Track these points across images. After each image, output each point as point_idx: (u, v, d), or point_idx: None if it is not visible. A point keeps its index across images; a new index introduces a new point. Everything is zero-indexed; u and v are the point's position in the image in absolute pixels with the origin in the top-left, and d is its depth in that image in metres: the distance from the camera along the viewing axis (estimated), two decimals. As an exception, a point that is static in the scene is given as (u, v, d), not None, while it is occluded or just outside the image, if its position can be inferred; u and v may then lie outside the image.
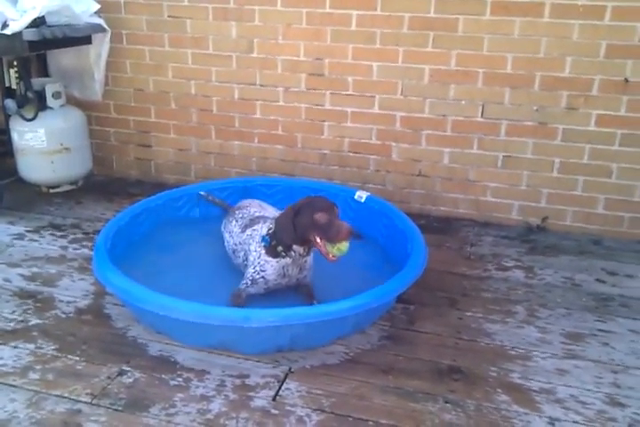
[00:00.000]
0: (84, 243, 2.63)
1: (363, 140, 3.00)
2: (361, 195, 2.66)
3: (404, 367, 1.87)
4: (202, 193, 2.76)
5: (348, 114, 2.96)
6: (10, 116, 2.85)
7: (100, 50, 3.05)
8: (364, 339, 2.00)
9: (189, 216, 2.75)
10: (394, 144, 2.96)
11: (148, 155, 3.36)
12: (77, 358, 1.88)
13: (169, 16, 3.05)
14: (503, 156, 2.84)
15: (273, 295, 2.13)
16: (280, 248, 2.05)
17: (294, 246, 2.04)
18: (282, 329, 1.84)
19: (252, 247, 2.15)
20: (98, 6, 2.89)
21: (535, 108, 2.72)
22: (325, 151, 3.07)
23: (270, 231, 2.09)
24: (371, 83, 2.87)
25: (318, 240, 1.94)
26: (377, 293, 1.91)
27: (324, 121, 3.01)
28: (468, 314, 2.17)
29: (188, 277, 2.26)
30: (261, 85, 3.04)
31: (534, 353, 1.95)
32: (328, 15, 2.82)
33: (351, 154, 3.04)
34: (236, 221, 2.35)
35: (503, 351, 1.96)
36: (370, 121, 2.95)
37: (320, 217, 1.93)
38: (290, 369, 1.84)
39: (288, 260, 2.07)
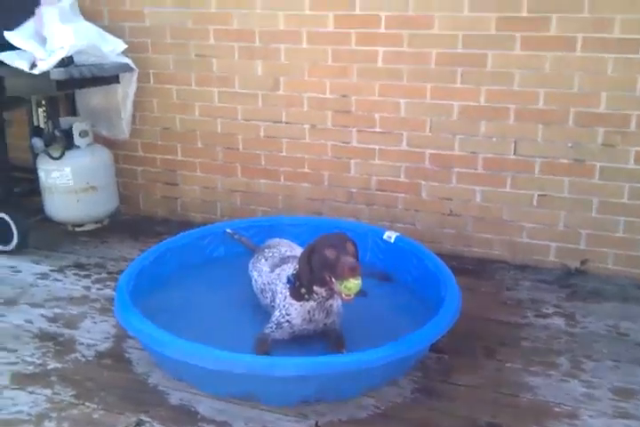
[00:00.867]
0: (108, 283, 2.60)
1: (391, 178, 2.93)
2: (390, 235, 2.58)
3: (440, 424, 1.74)
4: (228, 231, 2.71)
5: (375, 151, 2.91)
6: (37, 154, 2.87)
7: (127, 89, 3.08)
8: (395, 391, 1.88)
9: (215, 255, 2.69)
10: (423, 182, 2.89)
11: (175, 193, 3.35)
12: (95, 406, 1.81)
13: (196, 55, 3.07)
14: (538, 195, 2.73)
15: (300, 342, 2.04)
16: (303, 290, 1.97)
17: (315, 288, 1.95)
18: (308, 379, 1.75)
19: (279, 288, 2.08)
20: (125, 46, 2.93)
21: (570, 144, 2.62)
22: (353, 189, 3.01)
23: (295, 271, 2.02)
24: (398, 120, 2.83)
25: (329, 278, 1.86)
26: (408, 342, 1.81)
27: (350, 158, 2.97)
28: (508, 365, 2.04)
29: (212, 320, 2.19)
30: (287, 123, 3.02)
31: (581, 410, 1.80)
32: (354, 52, 2.80)
33: (379, 192, 2.97)
34: (266, 259, 2.29)
35: (547, 408, 1.82)
36: (398, 158, 2.89)
37: (329, 253, 1.86)
38: (317, 423, 1.74)
39: (312, 303, 1.98)
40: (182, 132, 3.22)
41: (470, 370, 2.00)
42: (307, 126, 2.99)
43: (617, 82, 2.48)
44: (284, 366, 1.73)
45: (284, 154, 3.07)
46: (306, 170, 3.06)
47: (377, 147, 2.90)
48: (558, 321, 2.34)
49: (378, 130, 2.88)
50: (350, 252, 1.88)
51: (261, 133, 3.08)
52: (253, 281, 2.32)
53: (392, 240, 2.56)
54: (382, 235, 2.59)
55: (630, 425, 1.75)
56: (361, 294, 1.89)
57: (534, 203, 2.75)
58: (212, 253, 2.70)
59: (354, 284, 1.81)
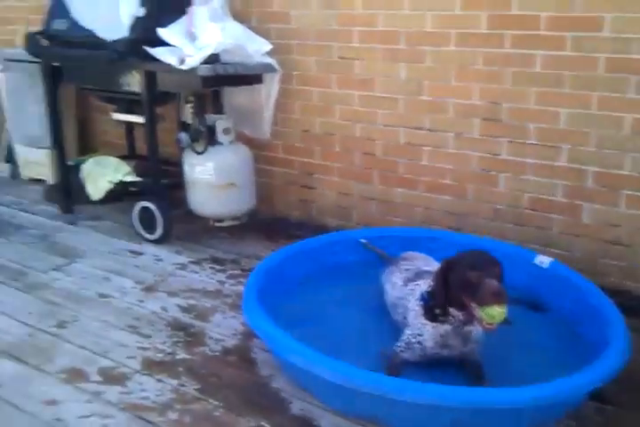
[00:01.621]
0: (241, 280, 2.61)
1: (545, 197, 2.64)
2: (542, 260, 2.32)
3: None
4: (362, 241, 2.63)
5: (528, 165, 2.65)
6: (183, 149, 2.97)
7: (270, 89, 3.09)
8: (541, 438, 1.67)
9: (346, 262, 2.59)
10: (584, 204, 2.57)
11: (311, 196, 3.32)
12: (217, 403, 1.82)
13: (338, 57, 3.01)
14: None
15: (433, 367, 1.88)
16: (438, 310, 1.82)
17: (451, 310, 1.79)
18: (441, 410, 1.59)
19: (411, 305, 1.95)
20: (270, 46, 2.93)
21: None
22: (499, 206, 2.77)
23: (430, 289, 1.88)
24: (557, 131, 2.55)
25: (469, 302, 1.70)
26: (566, 385, 1.58)
27: (499, 172, 2.73)
28: (687, 429, 1.73)
29: (339, 329, 2.12)
30: (430, 130, 2.85)
31: None
32: (508, 56, 2.56)
33: (530, 211, 2.69)
34: (400, 272, 2.17)
35: None
36: (555, 175, 2.60)
37: (471, 274, 1.69)
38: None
39: (447, 326, 1.83)
40: (321, 135, 3.18)
41: (637, 427, 1.73)
42: (451, 135, 2.80)
43: None
44: (418, 391, 1.60)
45: (424, 163, 2.91)
46: (447, 181, 2.87)
47: (530, 160, 2.64)
48: None
49: (532, 142, 2.62)
50: (495, 274, 1.71)
51: (401, 140, 2.94)
52: (385, 294, 2.22)
53: (545, 266, 2.31)
54: (533, 259, 2.35)
55: None
56: (505, 322, 1.70)
57: None
58: (344, 259, 2.61)
59: (498, 312, 1.64)
